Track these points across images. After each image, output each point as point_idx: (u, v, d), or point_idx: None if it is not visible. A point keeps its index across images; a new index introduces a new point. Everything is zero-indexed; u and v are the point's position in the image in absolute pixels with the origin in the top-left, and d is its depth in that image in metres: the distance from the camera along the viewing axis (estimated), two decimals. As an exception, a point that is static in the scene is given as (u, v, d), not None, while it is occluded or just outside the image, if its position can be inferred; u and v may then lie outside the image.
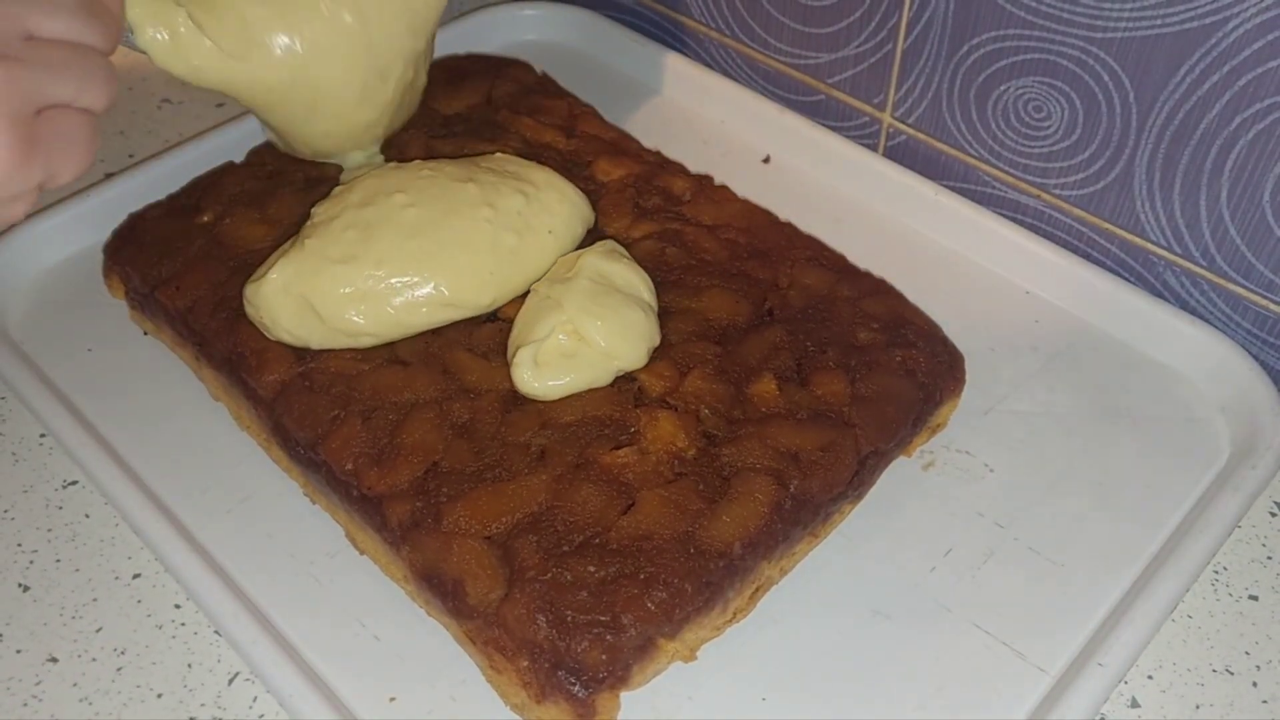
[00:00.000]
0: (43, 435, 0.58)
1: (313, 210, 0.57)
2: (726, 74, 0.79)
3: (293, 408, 0.52)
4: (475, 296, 0.54)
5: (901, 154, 0.72)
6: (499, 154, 0.61)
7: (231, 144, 0.70)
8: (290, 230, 0.59)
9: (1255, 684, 0.48)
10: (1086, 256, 0.65)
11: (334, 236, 0.54)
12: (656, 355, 0.53)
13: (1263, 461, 0.54)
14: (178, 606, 0.51)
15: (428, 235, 0.53)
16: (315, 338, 0.53)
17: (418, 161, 0.58)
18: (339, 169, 0.63)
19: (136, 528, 0.52)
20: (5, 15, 0.38)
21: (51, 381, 0.59)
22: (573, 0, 0.85)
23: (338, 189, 0.57)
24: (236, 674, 0.49)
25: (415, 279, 0.53)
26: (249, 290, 0.54)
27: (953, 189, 0.69)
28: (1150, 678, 0.49)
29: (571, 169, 0.64)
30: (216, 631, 0.50)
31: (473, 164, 0.58)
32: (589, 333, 0.51)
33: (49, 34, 0.39)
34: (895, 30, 0.67)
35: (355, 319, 0.53)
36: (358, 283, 0.53)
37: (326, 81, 0.56)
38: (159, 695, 0.48)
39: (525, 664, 0.44)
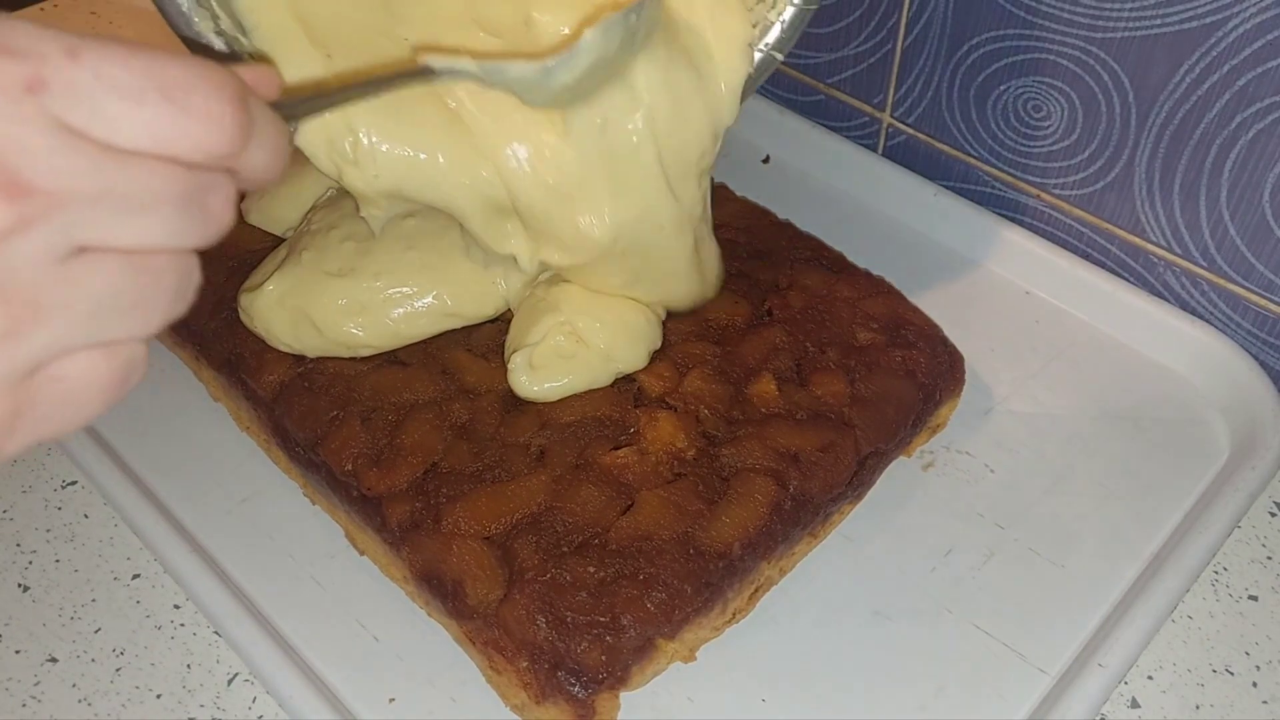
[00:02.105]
0: (42, 436, 0.58)
1: (309, 216, 0.56)
2: (726, 74, 0.79)
3: (292, 408, 0.52)
4: (480, 306, 0.54)
5: (901, 154, 0.72)
6: None
7: (231, 144, 0.70)
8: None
9: (1255, 684, 0.48)
10: (1086, 256, 0.65)
11: (331, 248, 0.53)
12: (656, 355, 0.53)
13: (1263, 461, 0.54)
14: (177, 607, 0.51)
15: (428, 245, 0.53)
16: (312, 348, 0.53)
17: None
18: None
19: (136, 528, 0.52)
20: (45, 219, 0.24)
21: (51, 382, 0.59)
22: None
23: (334, 193, 0.57)
24: (236, 674, 0.49)
25: (414, 290, 0.52)
26: (244, 299, 0.54)
27: (952, 189, 0.69)
28: (1150, 678, 0.49)
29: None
30: (216, 632, 0.50)
31: None
32: (588, 334, 0.51)
33: (117, 245, 0.25)
34: (895, 30, 0.67)
35: (354, 331, 0.52)
36: (355, 295, 0.52)
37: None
38: (158, 696, 0.48)
39: (525, 665, 0.44)
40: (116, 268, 0.25)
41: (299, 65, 0.44)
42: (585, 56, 0.42)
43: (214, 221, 0.27)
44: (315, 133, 0.43)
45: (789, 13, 0.47)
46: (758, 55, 0.48)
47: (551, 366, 0.51)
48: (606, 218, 0.49)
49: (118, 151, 0.25)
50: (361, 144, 0.43)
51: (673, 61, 0.46)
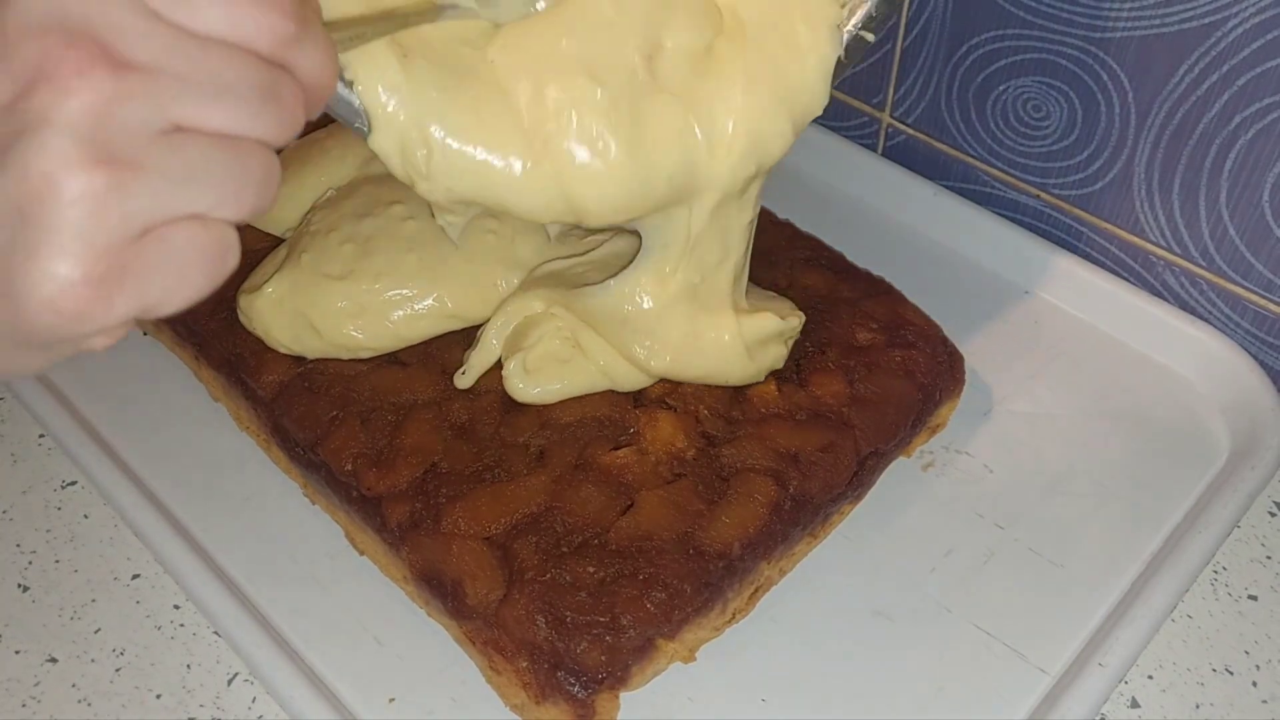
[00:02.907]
0: (42, 436, 0.58)
1: (308, 217, 0.56)
2: (726, 74, 0.79)
3: (292, 408, 0.52)
4: (481, 308, 0.53)
5: (901, 154, 0.72)
6: None
7: (231, 144, 0.70)
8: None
9: (1255, 684, 0.48)
10: (1086, 256, 0.65)
11: (331, 251, 0.53)
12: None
13: (1262, 461, 0.54)
14: (177, 607, 0.51)
15: (428, 248, 0.52)
16: (312, 350, 0.53)
17: None
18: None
19: (136, 528, 0.52)
20: (145, 94, 0.26)
21: (51, 382, 0.59)
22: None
23: (333, 194, 0.57)
24: (235, 675, 0.49)
25: (414, 292, 0.52)
26: (243, 301, 0.54)
27: (952, 189, 0.69)
28: (1150, 678, 0.49)
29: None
30: (216, 632, 0.50)
31: None
32: (589, 348, 0.50)
33: (207, 127, 0.28)
34: (894, 30, 0.67)
35: (353, 334, 0.52)
36: (355, 297, 0.52)
37: None
38: (158, 696, 0.48)
39: (525, 665, 0.44)
40: (208, 143, 0.28)
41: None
42: None
43: (288, 115, 0.29)
44: (388, 139, 0.41)
45: None
46: (846, 37, 0.45)
47: (547, 371, 0.50)
48: (668, 360, 0.50)
49: (201, 38, 0.27)
50: (435, 159, 0.41)
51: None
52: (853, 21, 0.45)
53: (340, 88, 0.40)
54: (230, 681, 0.48)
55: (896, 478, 0.55)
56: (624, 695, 0.45)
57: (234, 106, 0.28)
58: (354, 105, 0.40)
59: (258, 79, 0.28)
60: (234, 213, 0.29)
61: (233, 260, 0.29)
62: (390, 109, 0.40)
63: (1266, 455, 0.54)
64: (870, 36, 0.45)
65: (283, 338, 0.53)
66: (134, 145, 0.27)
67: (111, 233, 0.27)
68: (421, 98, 0.40)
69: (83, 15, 0.26)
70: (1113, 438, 0.57)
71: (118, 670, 0.49)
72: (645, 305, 0.48)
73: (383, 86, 0.40)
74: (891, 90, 0.70)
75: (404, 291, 0.52)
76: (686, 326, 0.49)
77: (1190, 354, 0.60)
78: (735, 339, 0.50)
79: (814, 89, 0.44)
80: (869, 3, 0.45)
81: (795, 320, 0.52)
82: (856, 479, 0.51)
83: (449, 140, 0.41)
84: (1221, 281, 0.60)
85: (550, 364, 0.50)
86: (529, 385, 0.50)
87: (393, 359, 0.53)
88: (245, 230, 0.59)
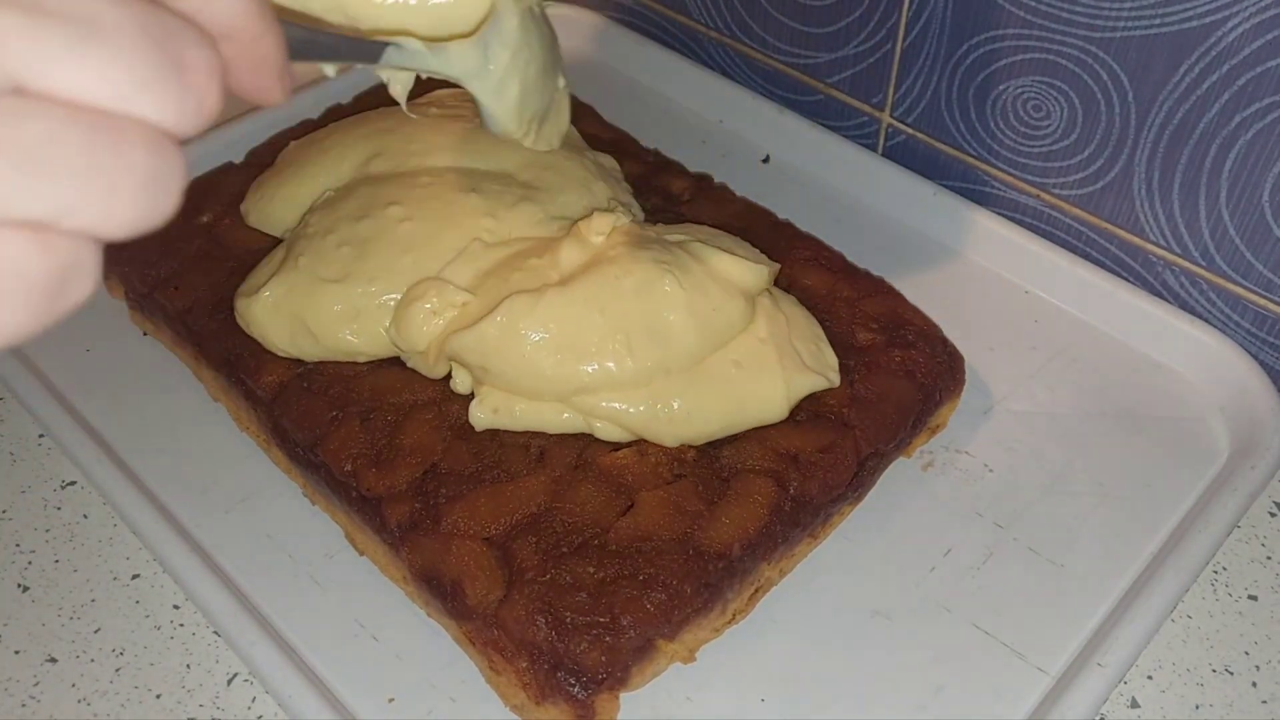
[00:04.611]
0: (41, 435, 0.58)
1: (305, 219, 0.56)
2: (726, 74, 0.79)
3: (291, 408, 0.52)
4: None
5: (900, 153, 0.72)
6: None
7: (231, 144, 0.70)
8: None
9: (1255, 684, 0.48)
10: (1086, 256, 0.65)
11: (327, 254, 0.52)
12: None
13: (1262, 461, 0.54)
14: (176, 607, 0.51)
15: (422, 249, 0.52)
16: (309, 354, 0.53)
17: (420, 170, 0.56)
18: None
19: (135, 528, 0.52)
20: None
21: (50, 381, 0.59)
22: (572, 0, 0.85)
23: (331, 195, 0.57)
24: (235, 674, 0.49)
25: None
26: (240, 304, 0.54)
27: (952, 189, 0.69)
28: (1150, 678, 0.49)
29: (570, 169, 0.63)
30: (215, 632, 0.50)
31: (477, 172, 0.56)
32: (600, 432, 0.50)
33: (63, 91, 0.19)
34: (894, 30, 0.67)
35: (349, 338, 0.52)
36: (351, 300, 0.51)
37: None
38: (157, 696, 0.48)
39: (524, 665, 0.44)
40: (62, 114, 0.19)
41: None
42: (509, 14, 0.41)
43: (192, 85, 0.20)
44: None
45: None
46: None
47: (520, 411, 0.50)
48: (703, 442, 0.50)
49: None
50: None
51: None
52: None
53: None
54: (230, 681, 0.48)
55: (896, 478, 0.55)
56: (624, 695, 0.45)
57: (101, 56, 0.19)
58: None
59: (139, 18, 0.20)
60: (96, 221, 0.20)
61: (78, 292, 0.21)
62: None
63: (1266, 455, 0.54)
64: None
65: (280, 341, 0.53)
66: None
67: None
68: None
69: None
70: (1113, 438, 0.57)
71: (117, 670, 0.49)
72: (675, 407, 0.48)
73: None
74: (891, 90, 0.70)
75: (398, 295, 0.52)
76: (728, 402, 0.49)
77: (1190, 354, 0.60)
78: (782, 401, 0.50)
79: None
80: None
81: (836, 380, 0.52)
82: (856, 479, 0.51)
83: None
84: (1221, 281, 0.60)
85: (521, 401, 0.50)
86: (498, 421, 0.50)
87: (392, 359, 0.53)
88: (244, 231, 0.60)
